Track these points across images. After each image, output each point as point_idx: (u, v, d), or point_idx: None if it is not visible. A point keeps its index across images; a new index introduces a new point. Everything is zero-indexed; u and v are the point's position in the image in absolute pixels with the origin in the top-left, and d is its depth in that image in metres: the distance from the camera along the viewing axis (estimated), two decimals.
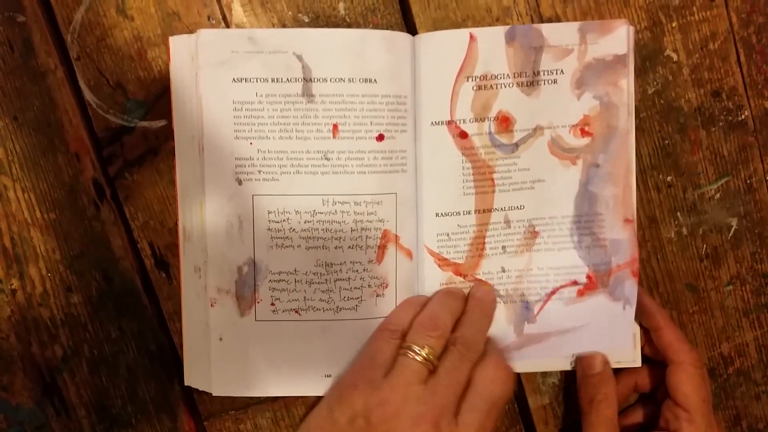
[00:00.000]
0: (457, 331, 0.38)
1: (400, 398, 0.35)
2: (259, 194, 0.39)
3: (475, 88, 0.40)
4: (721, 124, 0.43)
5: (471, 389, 0.37)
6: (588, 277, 0.42)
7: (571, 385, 0.44)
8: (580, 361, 0.42)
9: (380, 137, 0.39)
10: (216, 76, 0.38)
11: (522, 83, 0.40)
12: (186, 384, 0.40)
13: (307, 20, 0.40)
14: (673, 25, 0.42)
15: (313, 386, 0.40)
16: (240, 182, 0.39)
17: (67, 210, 0.39)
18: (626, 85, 0.40)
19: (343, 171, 0.39)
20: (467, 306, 0.40)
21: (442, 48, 0.40)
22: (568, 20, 0.41)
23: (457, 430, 0.35)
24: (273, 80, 0.38)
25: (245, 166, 0.39)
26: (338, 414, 0.36)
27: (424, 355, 0.36)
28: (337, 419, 0.36)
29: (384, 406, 0.35)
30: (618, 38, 0.40)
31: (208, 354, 0.40)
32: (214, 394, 0.40)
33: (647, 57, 0.42)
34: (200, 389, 0.40)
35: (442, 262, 0.41)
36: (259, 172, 0.39)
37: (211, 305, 0.39)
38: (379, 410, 0.35)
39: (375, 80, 0.39)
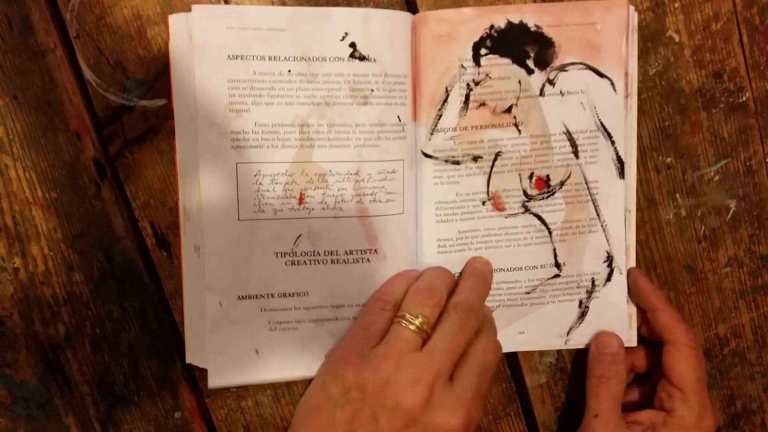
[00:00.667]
0: (456, 296, 0.38)
1: (393, 366, 0.35)
2: (255, 173, 0.39)
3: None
4: (721, 105, 0.43)
5: (465, 356, 0.37)
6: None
7: (567, 364, 0.45)
8: (597, 338, 0.42)
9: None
10: (211, 53, 0.38)
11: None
12: (187, 362, 0.41)
13: None
14: (676, 5, 0.42)
15: (312, 368, 0.41)
16: (236, 162, 0.39)
17: (68, 189, 0.39)
18: (627, 65, 0.40)
19: (341, 145, 0.39)
20: (464, 274, 0.40)
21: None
22: (570, 1, 0.41)
23: (452, 391, 0.35)
24: (270, 58, 0.38)
25: (241, 143, 0.38)
26: (332, 388, 0.36)
27: (418, 324, 0.36)
28: (331, 393, 0.36)
29: (377, 373, 0.35)
30: (618, 17, 0.40)
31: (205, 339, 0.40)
32: (210, 386, 0.40)
33: (649, 38, 0.42)
34: (201, 367, 0.41)
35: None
36: (257, 148, 0.39)
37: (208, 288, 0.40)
38: (373, 378, 0.35)
39: (374, 59, 0.39)
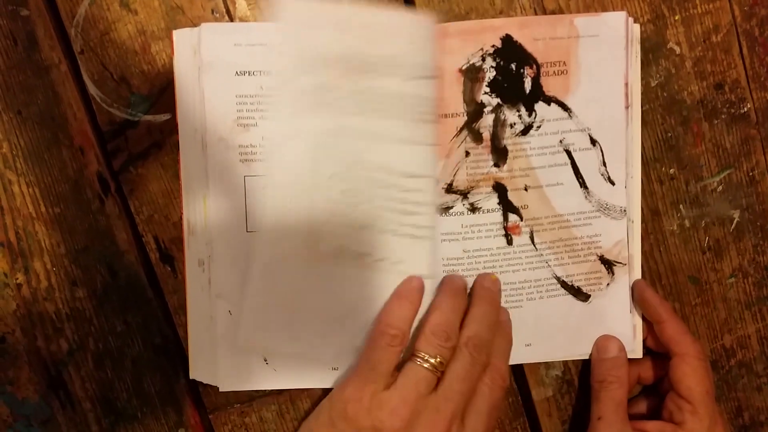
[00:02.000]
0: (466, 329, 0.38)
1: (411, 409, 0.35)
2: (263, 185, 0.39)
3: None
4: (723, 116, 0.43)
5: (475, 393, 0.37)
6: None
7: (574, 377, 0.45)
8: (597, 343, 0.42)
9: None
10: (218, 69, 0.38)
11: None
12: (191, 377, 0.41)
13: None
14: (676, 17, 0.42)
15: (320, 378, 0.41)
16: (244, 176, 0.39)
17: (72, 204, 0.39)
18: (627, 76, 0.41)
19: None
20: (474, 298, 0.40)
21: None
22: (571, 12, 0.41)
23: None
24: (277, 74, 0.38)
25: (249, 159, 0.39)
26: (342, 427, 0.36)
27: (434, 363, 0.36)
28: None
29: (394, 416, 0.35)
30: (616, 29, 0.40)
31: (214, 348, 0.40)
32: (221, 390, 0.40)
33: (650, 50, 0.42)
34: (205, 383, 0.41)
35: None
36: (263, 162, 0.39)
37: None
38: (390, 423, 0.35)
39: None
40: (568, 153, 0.41)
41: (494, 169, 0.41)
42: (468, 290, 0.41)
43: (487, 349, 0.38)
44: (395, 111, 0.38)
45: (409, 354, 0.37)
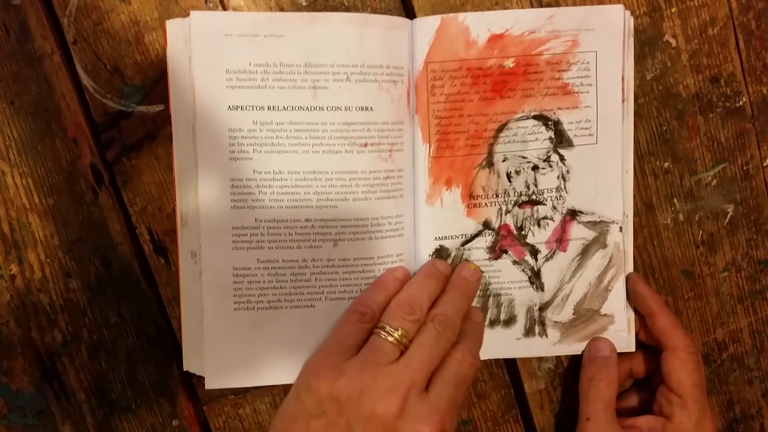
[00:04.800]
0: (435, 308, 0.38)
1: (369, 376, 0.35)
2: (251, 177, 0.39)
3: None
4: (718, 110, 0.43)
5: (441, 368, 0.37)
6: None
7: (566, 370, 0.45)
8: (590, 344, 0.43)
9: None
10: (209, 59, 0.38)
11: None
12: (185, 369, 0.41)
13: (305, 3, 0.40)
14: (673, 10, 0.42)
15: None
16: (233, 167, 0.39)
17: (66, 195, 0.39)
18: (623, 70, 0.41)
19: (335, 151, 0.39)
20: (449, 284, 0.40)
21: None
22: (567, 6, 0.41)
23: (427, 401, 0.35)
24: (268, 65, 0.38)
25: (238, 150, 0.38)
26: (306, 400, 0.36)
27: (397, 336, 0.36)
28: (306, 405, 0.36)
29: (351, 383, 0.35)
30: (613, 22, 0.40)
31: (202, 342, 0.40)
32: (206, 387, 0.40)
33: (646, 42, 0.42)
34: (199, 374, 0.41)
35: None
36: (254, 150, 0.39)
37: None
38: (347, 388, 0.35)
39: (374, 66, 0.39)
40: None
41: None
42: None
43: (454, 328, 0.38)
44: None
45: (376, 329, 0.37)
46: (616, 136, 0.41)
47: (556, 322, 0.43)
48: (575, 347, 0.43)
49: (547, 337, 0.43)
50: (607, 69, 0.41)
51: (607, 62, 0.41)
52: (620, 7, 0.40)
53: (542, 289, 0.42)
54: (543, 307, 0.43)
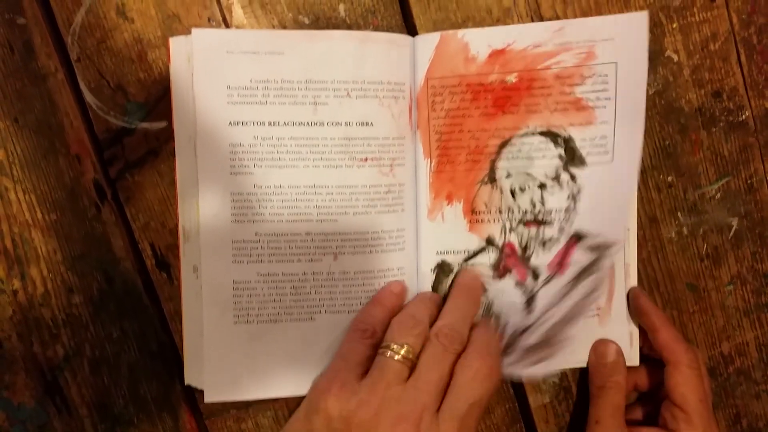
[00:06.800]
0: (439, 320, 0.38)
1: (380, 400, 0.35)
2: (252, 192, 0.39)
3: None
4: (721, 124, 0.43)
5: (452, 387, 0.36)
6: None
7: (571, 384, 0.45)
8: (595, 348, 0.42)
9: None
10: (211, 76, 0.38)
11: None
12: (186, 383, 0.41)
13: (307, 22, 0.40)
14: (674, 25, 0.42)
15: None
16: (234, 181, 0.39)
17: (68, 211, 0.39)
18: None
19: (335, 165, 0.39)
20: (452, 291, 0.40)
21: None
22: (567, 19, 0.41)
23: (440, 424, 0.35)
24: (269, 81, 0.38)
25: (239, 165, 0.39)
26: (315, 420, 0.36)
27: (403, 353, 0.36)
28: (314, 425, 0.36)
29: (363, 408, 0.34)
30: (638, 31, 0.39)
31: (202, 356, 0.40)
32: (206, 401, 0.40)
33: (648, 58, 0.42)
34: (201, 389, 0.41)
35: None
36: (254, 165, 0.39)
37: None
38: (359, 413, 0.34)
39: (375, 82, 0.39)
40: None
41: None
42: None
43: (461, 338, 0.37)
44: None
45: (381, 348, 0.37)
46: (634, 153, 0.39)
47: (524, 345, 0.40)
48: (578, 358, 0.42)
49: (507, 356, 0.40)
50: (629, 81, 0.39)
51: (629, 74, 0.39)
52: (645, 14, 0.39)
53: (530, 314, 0.40)
54: (522, 332, 0.40)
